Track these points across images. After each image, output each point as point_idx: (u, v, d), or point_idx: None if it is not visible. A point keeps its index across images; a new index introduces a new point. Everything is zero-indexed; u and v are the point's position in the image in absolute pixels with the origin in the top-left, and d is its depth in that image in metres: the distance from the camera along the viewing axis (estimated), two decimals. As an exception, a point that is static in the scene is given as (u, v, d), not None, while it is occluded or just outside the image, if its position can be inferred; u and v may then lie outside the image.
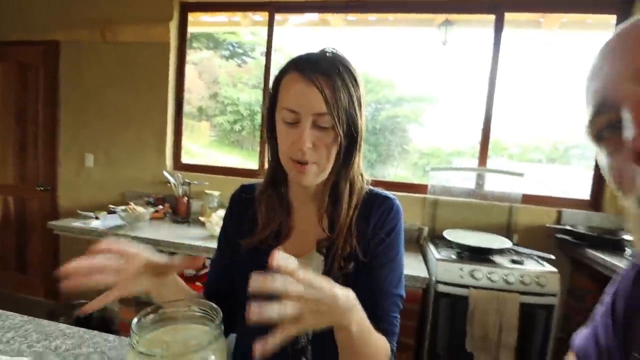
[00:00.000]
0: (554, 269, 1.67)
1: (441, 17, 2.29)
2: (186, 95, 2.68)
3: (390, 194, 0.79)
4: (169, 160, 2.59)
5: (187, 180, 2.33)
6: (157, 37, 2.50)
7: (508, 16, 2.13)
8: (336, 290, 0.51)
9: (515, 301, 1.60)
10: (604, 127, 0.34)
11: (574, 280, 1.96)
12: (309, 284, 0.48)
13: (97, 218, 2.07)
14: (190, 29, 2.64)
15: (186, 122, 2.74)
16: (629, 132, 0.29)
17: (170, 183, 2.31)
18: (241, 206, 0.82)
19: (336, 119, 0.65)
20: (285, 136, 0.68)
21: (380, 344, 0.66)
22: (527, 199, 2.09)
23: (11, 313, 0.78)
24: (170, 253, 2.00)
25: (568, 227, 1.91)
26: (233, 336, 0.85)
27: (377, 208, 0.75)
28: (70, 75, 2.69)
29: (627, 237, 1.73)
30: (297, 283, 0.46)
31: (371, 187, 0.79)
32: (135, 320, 0.44)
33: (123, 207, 2.01)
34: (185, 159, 2.68)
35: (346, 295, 0.53)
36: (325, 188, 0.74)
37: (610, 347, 0.45)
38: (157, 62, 2.53)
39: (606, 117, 0.33)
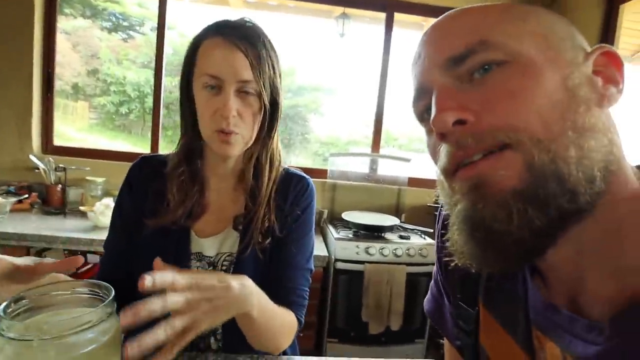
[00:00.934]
0: (433, 241, 1.94)
1: (339, 9, 2.40)
2: (57, 70, 2.28)
3: (305, 174, 0.81)
4: (36, 143, 2.18)
5: (61, 166, 2.00)
6: (15, -6, 2.06)
7: (397, 16, 2.34)
8: (230, 282, 0.51)
9: (402, 272, 1.81)
10: (423, 109, 0.40)
11: (448, 250, 2.30)
12: (197, 286, 0.46)
13: None
14: (61, -10, 2.25)
15: (58, 100, 2.34)
16: (432, 114, 0.35)
17: (39, 169, 1.96)
18: (143, 180, 0.74)
19: (262, 87, 0.64)
20: (206, 105, 0.64)
21: (286, 319, 0.68)
22: (413, 182, 2.36)
23: None
24: (43, 249, 1.71)
25: (443, 205, 2.22)
26: None
27: (294, 186, 0.77)
28: None
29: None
30: (179, 294, 0.44)
31: (287, 167, 0.80)
32: (4, 304, 0.37)
33: (-29, 198, 1.64)
34: (58, 142, 2.29)
35: (241, 284, 0.53)
36: (248, 161, 0.73)
37: (446, 298, 0.53)
38: (16, 24, 2.08)
39: (423, 101, 0.39)
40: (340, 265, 1.79)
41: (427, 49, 0.38)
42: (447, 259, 0.40)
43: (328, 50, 2.61)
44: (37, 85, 2.16)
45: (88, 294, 0.45)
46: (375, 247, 1.83)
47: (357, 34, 2.44)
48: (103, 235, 1.60)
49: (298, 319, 0.72)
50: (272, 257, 0.72)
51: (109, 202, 1.73)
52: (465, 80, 0.34)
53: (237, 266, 0.71)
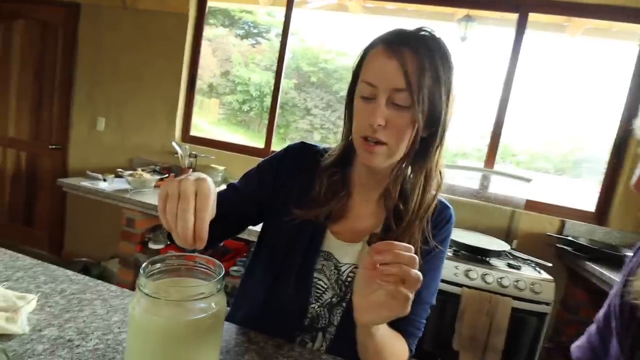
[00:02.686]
0: (550, 278, 1.67)
1: (462, 11, 2.24)
2: (199, 71, 2.68)
3: (449, 203, 0.76)
4: (178, 132, 2.60)
5: (194, 153, 2.34)
6: (176, 8, 2.49)
7: (532, 17, 2.07)
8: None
9: (507, 305, 1.60)
10: None
11: (568, 291, 1.96)
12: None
13: (104, 180, 2.10)
14: (209, 3, 2.62)
15: (196, 97, 2.74)
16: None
17: (177, 154, 2.32)
18: (297, 165, 0.75)
19: (415, 98, 0.58)
20: (360, 112, 0.63)
21: (397, 347, 0.66)
22: (531, 206, 2.09)
23: (21, 255, 0.79)
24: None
25: (570, 238, 1.90)
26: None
27: (437, 215, 0.72)
28: (89, 39, 2.69)
29: (629, 253, 1.74)
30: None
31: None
32: (144, 265, 0.45)
33: (130, 172, 2.04)
34: (194, 133, 2.69)
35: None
36: (395, 179, 0.68)
37: (617, 347, 0.45)
38: (174, 32, 2.52)
39: None
40: (435, 283, 1.68)
41: None
42: (632, 304, 0.37)
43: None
44: (183, 85, 2.58)
45: (203, 267, 0.51)
46: (477, 271, 1.67)
47: (481, 38, 2.25)
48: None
49: (410, 349, 0.69)
50: None
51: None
52: None
53: None
